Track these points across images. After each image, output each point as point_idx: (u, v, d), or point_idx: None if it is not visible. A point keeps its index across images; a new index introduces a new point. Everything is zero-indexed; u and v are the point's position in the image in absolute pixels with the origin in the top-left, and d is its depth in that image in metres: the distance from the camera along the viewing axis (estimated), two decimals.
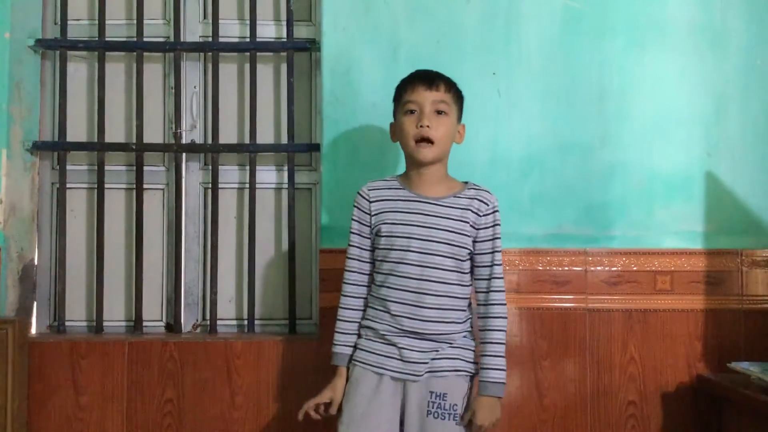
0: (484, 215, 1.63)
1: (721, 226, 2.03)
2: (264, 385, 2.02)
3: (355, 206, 1.69)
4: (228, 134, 2.24)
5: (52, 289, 2.23)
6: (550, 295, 2.01)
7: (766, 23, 2.06)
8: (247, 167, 2.18)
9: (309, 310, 2.21)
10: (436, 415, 1.55)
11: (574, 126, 2.05)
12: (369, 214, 1.66)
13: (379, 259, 1.65)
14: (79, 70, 2.28)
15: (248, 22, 2.22)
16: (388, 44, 2.06)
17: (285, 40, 2.22)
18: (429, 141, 1.59)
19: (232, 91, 2.27)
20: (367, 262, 1.68)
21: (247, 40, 2.22)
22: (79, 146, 2.22)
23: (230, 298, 2.24)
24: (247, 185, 2.18)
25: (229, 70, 2.26)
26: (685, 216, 2.03)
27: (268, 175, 2.23)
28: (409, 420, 1.57)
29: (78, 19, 2.29)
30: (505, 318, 1.63)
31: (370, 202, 1.67)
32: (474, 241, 1.63)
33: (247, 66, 2.22)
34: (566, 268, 2.02)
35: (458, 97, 1.67)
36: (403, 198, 1.65)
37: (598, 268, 2.02)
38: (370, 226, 1.66)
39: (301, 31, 2.26)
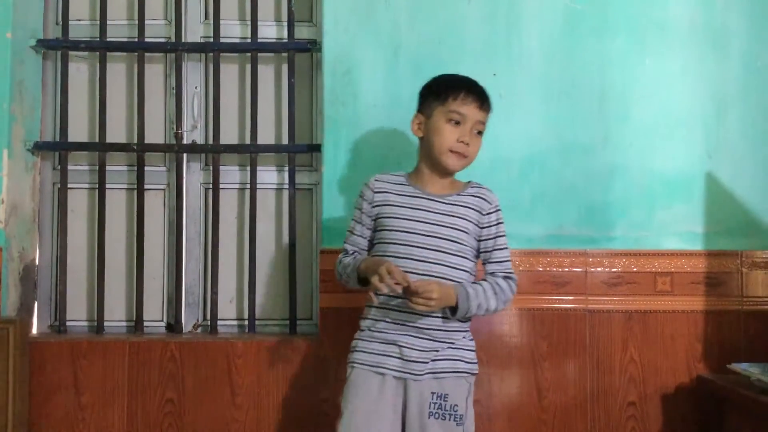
0: (487, 213, 1.66)
1: (722, 227, 2.03)
2: (264, 385, 2.02)
3: (360, 195, 1.71)
4: (229, 135, 2.24)
5: (53, 288, 2.24)
6: (550, 296, 2.01)
7: (766, 25, 2.06)
8: (248, 168, 2.19)
9: (309, 311, 2.22)
10: (437, 416, 1.55)
11: (574, 127, 2.05)
12: (371, 204, 1.68)
13: (378, 253, 1.64)
14: (80, 70, 2.29)
15: (249, 22, 2.22)
16: (390, 45, 2.06)
17: (286, 40, 2.23)
18: (463, 155, 1.62)
19: (233, 92, 2.27)
20: (363, 250, 1.70)
21: (249, 40, 2.22)
22: (80, 146, 2.22)
23: (231, 299, 2.24)
24: (248, 186, 2.19)
25: (230, 70, 2.26)
26: (685, 217, 2.03)
27: (268, 176, 2.24)
28: (410, 421, 1.56)
29: (79, 20, 2.29)
30: (508, 289, 1.63)
31: (375, 192, 1.68)
32: (479, 240, 1.65)
33: (248, 66, 2.23)
34: (566, 269, 2.02)
35: None
36: (408, 194, 1.66)
37: (599, 269, 2.02)
38: (371, 217, 1.68)
39: (302, 32, 2.27)
